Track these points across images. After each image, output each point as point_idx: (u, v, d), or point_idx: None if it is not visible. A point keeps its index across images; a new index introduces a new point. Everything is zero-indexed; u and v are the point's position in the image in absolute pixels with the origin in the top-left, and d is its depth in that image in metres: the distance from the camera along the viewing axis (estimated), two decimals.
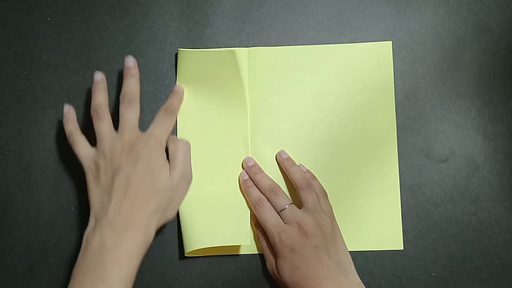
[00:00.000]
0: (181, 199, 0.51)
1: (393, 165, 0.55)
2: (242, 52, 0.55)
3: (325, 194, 0.54)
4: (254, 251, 0.54)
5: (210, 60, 0.54)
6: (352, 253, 0.53)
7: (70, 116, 0.53)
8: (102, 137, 0.50)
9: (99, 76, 0.53)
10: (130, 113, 0.50)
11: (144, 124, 0.55)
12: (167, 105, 0.53)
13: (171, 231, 0.54)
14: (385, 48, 0.56)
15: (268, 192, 0.53)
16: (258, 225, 0.54)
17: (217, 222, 0.53)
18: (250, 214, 0.54)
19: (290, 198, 0.54)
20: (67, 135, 0.52)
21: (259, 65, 0.56)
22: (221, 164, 0.55)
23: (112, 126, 0.51)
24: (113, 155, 0.49)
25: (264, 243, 0.53)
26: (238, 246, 0.54)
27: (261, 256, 0.54)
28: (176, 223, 0.54)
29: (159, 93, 0.56)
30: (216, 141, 0.55)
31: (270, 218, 0.52)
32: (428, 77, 0.56)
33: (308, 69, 0.56)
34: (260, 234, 0.54)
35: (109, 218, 0.46)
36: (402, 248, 0.54)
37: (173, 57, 0.56)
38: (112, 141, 0.49)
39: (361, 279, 0.51)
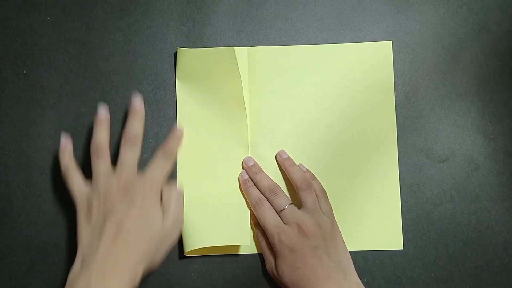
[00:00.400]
0: (170, 247, 0.50)
1: (393, 165, 0.55)
2: (242, 52, 0.55)
3: (325, 194, 0.54)
4: (254, 251, 0.54)
5: (209, 59, 0.54)
6: (352, 253, 0.53)
7: (67, 149, 0.52)
8: (99, 175, 0.49)
9: (102, 113, 0.51)
10: (130, 154, 0.50)
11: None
12: (165, 147, 0.52)
13: None
14: (385, 48, 0.56)
15: (268, 192, 0.53)
16: (257, 225, 0.54)
17: (217, 222, 0.53)
18: (250, 214, 0.54)
19: (289, 198, 0.54)
20: (62, 169, 0.51)
21: (259, 65, 0.56)
22: (221, 164, 0.55)
23: (110, 165, 0.50)
24: (107, 195, 0.48)
25: (263, 243, 0.53)
26: (237, 246, 0.54)
27: (260, 256, 0.54)
28: None
29: (159, 93, 0.56)
30: (216, 141, 0.55)
31: (270, 218, 0.52)
32: (428, 77, 0.56)
33: (308, 69, 0.56)
34: (260, 234, 0.54)
35: (96, 262, 0.45)
36: (402, 248, 0.54)
37: (173, 57, 0.56)
38: (108, 180, 0.49)
39: (361, 279, 0.51)
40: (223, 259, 0.55)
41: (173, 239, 0.50)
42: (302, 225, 0.50)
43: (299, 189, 0.53)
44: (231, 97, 0.55)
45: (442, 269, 0.54)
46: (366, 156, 0.55)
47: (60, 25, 0.56)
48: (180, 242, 0.54)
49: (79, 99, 0.56)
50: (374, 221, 0.55)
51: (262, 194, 0.53)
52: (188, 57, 0.54)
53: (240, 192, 0.55)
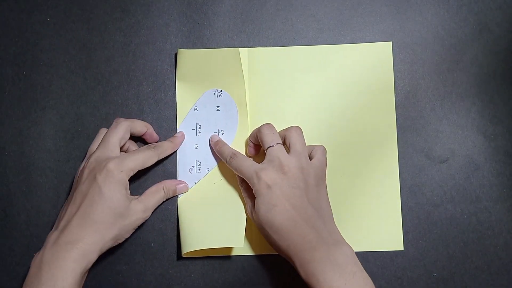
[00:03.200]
0: (130, 227, 0.50)
1: (393, 166, 0.55)
2: (242, 52, 0.55)
3: (323, 149, 0.51)
4: (254, 252, 0.54)
5: (209, 60, 0.54)
6: None
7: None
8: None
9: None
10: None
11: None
12: (158, 147, 0.52)
13: (171, 232, 0.54)
14: (385, 49, 0.56)
15: (259, 132, 0.51)
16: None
17: (213, 224, 0.52)
18: (246, 216, 0.53)
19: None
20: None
21: (259, 65, 0.56)
22: (220, 164, 0.55)
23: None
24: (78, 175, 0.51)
25: (244, 186, 0.52)
26: (233, 248, 0.54)
27: (260, 257, 0.54)
28: (175, 223, 0.54)
29: (159, 93, 0.56)
30: None
31: (246, 162, 0.50)
32: (428, 77, 0.56)
33: (308, 70, 0.56)
34: (241, 181, 0.53)
35: (55, 236, 0.47)
36: (403, 249, 0.54)
37: (173, 57, 0.56)
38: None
39: None
40: (223, 259, 0.54)
41: (134, 221, 0.50)
42: (284, 165, 0.48)
43: (288, 130, 0.50)
44: (232, 98, 0.55)
45: (443, 269, 0.54)
46: (366, 156, 0.55)
47: (60, 26, 0.56)
48: (178, 243, 0.54)
49: (80, 100, 0.56)
50: (375, 221, 0.55)
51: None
52: (188, 58, 0.54)
53: (236, 194, 0.54)
